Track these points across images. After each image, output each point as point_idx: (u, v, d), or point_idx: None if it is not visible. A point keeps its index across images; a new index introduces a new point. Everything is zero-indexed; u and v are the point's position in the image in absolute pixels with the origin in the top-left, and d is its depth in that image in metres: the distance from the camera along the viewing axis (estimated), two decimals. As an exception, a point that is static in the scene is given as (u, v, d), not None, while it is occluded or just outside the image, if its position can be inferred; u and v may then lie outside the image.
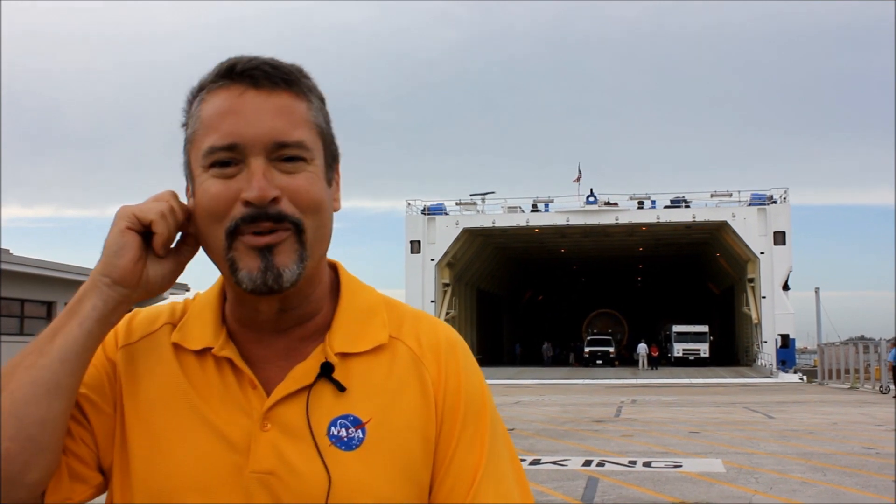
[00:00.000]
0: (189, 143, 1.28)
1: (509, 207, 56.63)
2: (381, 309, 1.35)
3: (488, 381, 1.38)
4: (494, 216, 56.03)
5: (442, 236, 54.51)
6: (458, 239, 54.74)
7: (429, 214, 55.38)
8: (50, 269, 31.12)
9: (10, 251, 29.51)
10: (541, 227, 56.65)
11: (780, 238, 51.18)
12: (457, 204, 56.78)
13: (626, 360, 66.05)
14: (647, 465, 12.75)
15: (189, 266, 1.33)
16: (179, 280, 1.38)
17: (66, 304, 1.25)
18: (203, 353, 1.30)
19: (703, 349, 61.92)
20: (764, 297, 50.95)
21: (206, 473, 1.22)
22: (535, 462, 12.88)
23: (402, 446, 1.25)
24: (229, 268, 1.23)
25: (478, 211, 56.49)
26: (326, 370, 1.26)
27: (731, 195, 54.29)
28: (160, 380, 1.29)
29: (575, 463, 12.90)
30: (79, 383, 1.23)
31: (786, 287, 51.90)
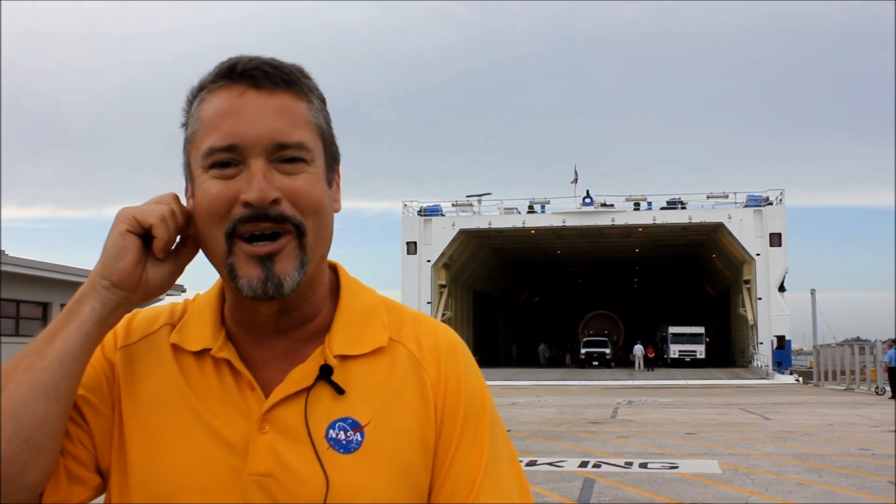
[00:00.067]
0: (189, 144, 1.28)
1: (506, 209, 56.65)
2: (380, 311, 1.35)
3: None
4: (491, 217, 56.05)
5: (438, 237, 54.51)
6: (454, 240, 54.74)
7: (425, 216, 55.38)
8: (46, 270, 31.06)
9: (7, 252, 29.45)
10: (537, 229, 56.68)
11: (775, 239, 51.25)
12: (453, 205, 56.80)
13: (622, 361, 66.03)
14: (643, 466, 12.76)
15: (187, 267, 1.33)
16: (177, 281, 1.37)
17: (62, 305, 1.25)
18: (202, 354, 1.29)
19: (700, 350, 61.94)
20: (760, 299, 51.03)
21: (203, 475, 1.22)
22: (532, 463, 12.88)
23: (401, 449, 1.24)
24: (229, 273, 1.23)
25: (474, 212, 56.50)
26: (325, 372, 1.25)
27: (727, 197, 54.38)
28: (159, 381, 1.29)
29: (571, 464, 12.90)
30: (77, 385, 1.22)
31: (782, 288, 51.97)
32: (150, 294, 1.28)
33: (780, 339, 50.17)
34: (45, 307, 32.36)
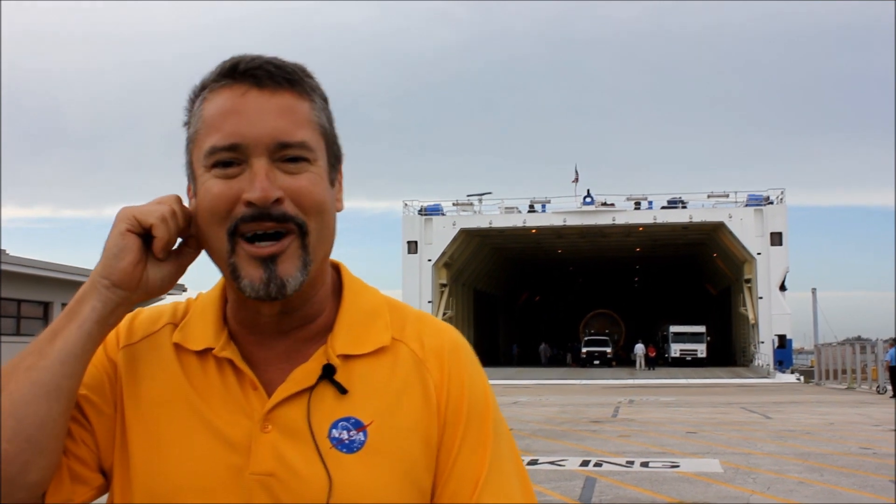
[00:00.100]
0: (191, 143, 1.27)
1: (506, 208, 56.64)
2: (383, 310, 1.34)
3: None
4: (491, 217, 56.05)
5: (439, 237, 54.51)
6: (455, 239, 54.75)
7: (426, 215, 55.38)
8: (47, 270, 31.08)
9: (8, 251, 29.46)
10: (538, 228, 56.67)
11: (776, 239, 51.24)
12: (454, 204, 56.80)
13: (623, 360, 66.05)
14: (644, 465, 12.76)
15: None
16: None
17: (62, 304, 1.25)
18: (204, 353, 1.29)
19: (701, 350, 61.95)
20: (761, 298, 51.01)
21: (206, 475, 1.22)
22: (533, 462, 12.88)
23: (403, 449, 1.24)
24: (231, 273, 1.22)
25: (475, 211, 56.50)
26: (328, 372, 1.25)
27: (727, 196, 54.36)
28: (161, 380, 1.29)
29: (572, 463, 12.90)
30: (78, 385, 1.22)
31: (782, 287, 51.95)
32: (151, 294, 1.27)
33: (781, 338, 50.17)
34: (46, 306, 32.38)
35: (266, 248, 1.20)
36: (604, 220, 54.62)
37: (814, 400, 29.27)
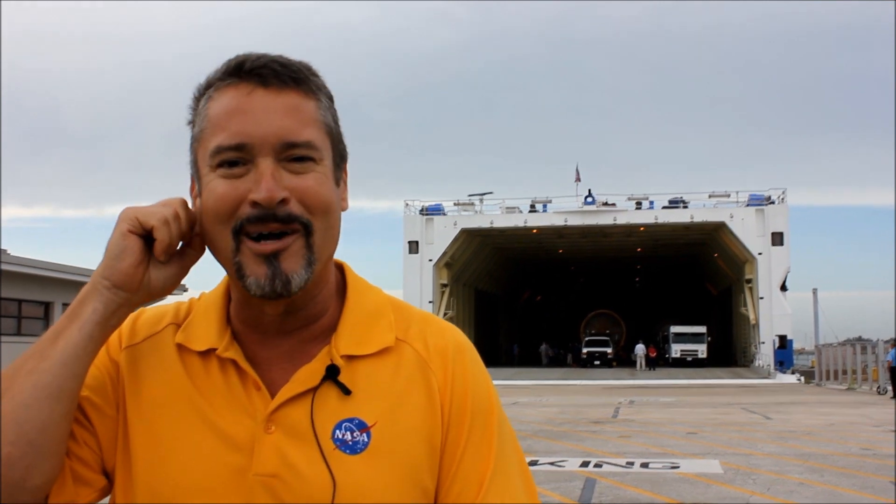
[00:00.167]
0: (196, 142, 1.27)
1: (507, 208, 56.65)
2: (387, 311, 1.34)
3: None
4: (492, 216, 56.06)
5: (440, 237, 54.52)
6: (456, 239, 54.76)
7: (427, 215, 55.39)
8: (47, 270, 31.10)
9: (8, 251, 29.48)
10: (539, 228, 56.69)
11: (777, 239, 51.23)
12: (455, 204, 56.81)
13: (623, 360, 66.07)
14: (644, 465, 12.75)
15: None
16: (179, 281, 1.36)
17: (63, 304, 1.25)
18: (207, 353, 1.29)
19: (701, 350, 61.97)
20: (762, 298, 51.01)
21: (208, 475, 1.21)
22: (533, 463, 12.88)
23: (407, 451, 1.23)
24: (236, 272, 1.22)
25: (476, 211, 56.51)
26: (332, 373, 1.25)
27: (728, 196, 54.35)
28: (163, 381, 1.28)
29: (572, 464, 12.90)
30: (80, 386, 1.21)
31: (783, 288, 51.95)
32: (153, 295, 1.27)
33: (782, 338, 50.16)
34: (47, 306, 32.40)
35: (270, 244, 1.20)
36: (605, 219, 54.63)
37: (814, 400, 29.26)
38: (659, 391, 34.51)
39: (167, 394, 1.27)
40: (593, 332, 78.51)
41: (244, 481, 1.20)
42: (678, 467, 12.54)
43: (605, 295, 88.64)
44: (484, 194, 57.29)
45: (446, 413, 1.27)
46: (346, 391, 1.24)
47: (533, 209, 56.50)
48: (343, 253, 1.34)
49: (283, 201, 1.20)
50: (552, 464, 12.90)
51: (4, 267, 28.50)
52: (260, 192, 1.18)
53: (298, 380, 1.25)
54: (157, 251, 1.24)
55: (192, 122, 1.29)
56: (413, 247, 54.61)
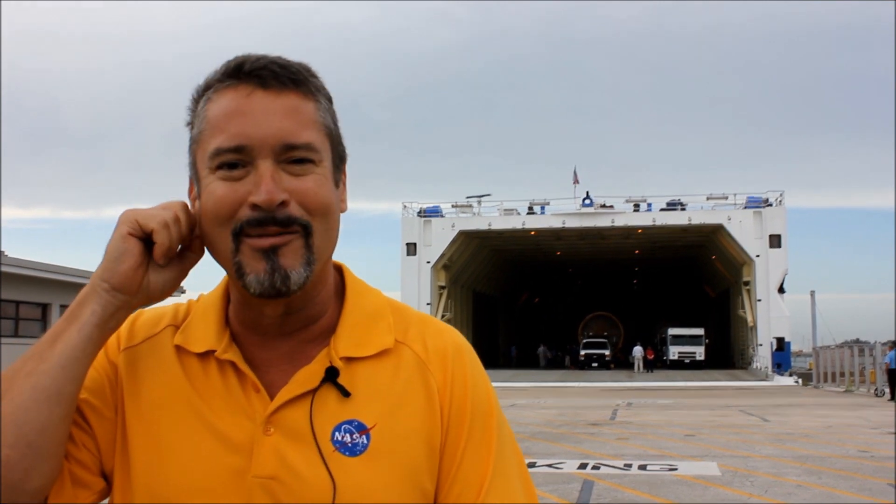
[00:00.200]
0: (195, 143, 1.26)
1: (505, 210, 56.67)
2: (386, 312, 1.34)
3: None
4: (490, 218, 56.07)
5: (438, 238, 54.52)
6: (454, 241, 54.76)
7: (425, 217, 55.39)
8: (45, 271, 31.08)
9: (6, 253, 29.45)
10: (537, 230, 56.70)
11: (775, 241, 51.26)
12: (453, 206, 56.81)
13: (621, 362, 66.10)
14: (642, 468, 12.75)
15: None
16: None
17: (61, 306, 1.25)
18: (206, 355, 1.28)
19: (699, 352, 61.98)
20: (759, 300, 51.03)
21: (207, 477, 1.21)
22: (531, 465, 12.86)
23: (406, 453, 1.23)
24: (236, 272, 1.21)
25: (474, 213, 56.51)
26: (331, 375, 1.24)
27: (726, 198, 54.40)
28: (162, 382, 1.28)
29: (570, 466, 12.89)
30: (79, 389, 1.21)
31: (781, 290, 51.98)
32: (152, 298, 1.27)
33: (780, 340, 50.18)
34: (45, 308, 32.37)
35: (269, 239, 1.20)
36: (603, 221, 54.65)
37: (812, 403, 29.28)
38: (657, 393, 34.52)
39: (166, 395, 1.27)
40: (591, 334, 78.57)
41: (243, 483, 1.20)
42: (676, 469, 12.55)
43: (603, 297, 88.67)
44: (482, 196, 57.33)
45: (446, 415, 1.27)
46: (346, 393, 1.24)
47: (531, 211, 56.51)
48: (340, 254, 1.34)
49: (283, 203, 1.19)
50: (550, 466, 12.89)
51: (3, 268, 28.48)
52: (260, 195, 1.18)
53: (297, 381, 1.24)
54: (156, 255, 1.24)
55: (190, 124, 1.28)
56: (411, 249, 54.61)
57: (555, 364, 69.81)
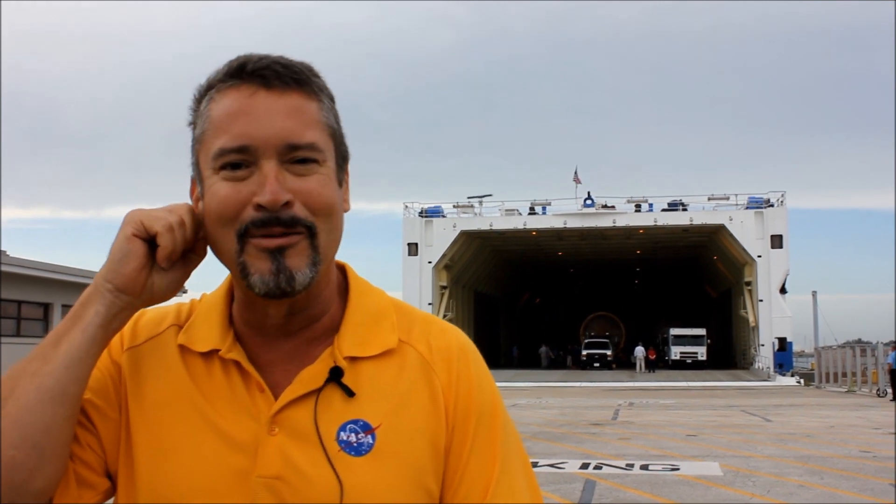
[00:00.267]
0: (198, 144, 1.26)
1: (507, 210, 56.67)
2: (390, 312, 1.34)
3: None
4: (492, 219, 56.06)
5: (439, 239, 54.52)
6: (455, 241, 54.76)
7: (426, 217, 55.39)
8: (47, 271, 31.08)
9: (8, 252, 29.47)
10: (538, 230, 56.70)
11: (777, 241, 51.24)
12: (454, 206, 56.82)
13: (623, 363, 66.05)
14: (644, 468, 12.75)
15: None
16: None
17: (63, 305, 1.24)
18: (210, 355, 1.28)
19: (701, 352, 61.95)
20: (761, 301, 51.01)
21: (211, 477, 1.21)
22: (533, 465, 12.70)
23: (411, 453, 1.23)
24: (240, 272, 1.21)
25: (475, 213, 56.52)
26: (336, 374, 1.24)
27: (728, 199, 54.38)
28: (166, 382, 1.28)
29: (572, 466, 12.89)
30: (83, 389, 1.21)
31: (783, 290, 51.97)
32: (156, 299, 1.27)
33: (782, 340, 50.17)
34: (47, 308, 32.38)
35: (275, 240, 1.19)
36: (604, 222, 54.65)
37: (814, 403, 29.26)
38: (658, 393, 34.51)
39: (169, 395, 1.27)
40: (593, 334, 78.49)
41: (247, 483, 1.20)
42: (678, 469, 12.54)
43: (604, 297, 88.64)
44: (483, 196, 57.32)
45: (451, 415, 1.27)
46: (350, 393, 1.24)
47: (532, 211, 56.51)
48: (342, 254, 1.34)
49: (287, 204, 1.19)
50: (552, 466, 12.89)
51: (4, 268, 28.49)
52: (264, 195, 1.18)
53: (302, 381, 1.24)
54: (159, 258, 1.23)
55: (192, 124, 1.28)
56: (412, 249, 54.61)
57: (556, 364, 69.77)
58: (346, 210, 1.31)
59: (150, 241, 1.23)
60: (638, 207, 55.30)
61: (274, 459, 1.20)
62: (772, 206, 52.51)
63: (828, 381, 42.66)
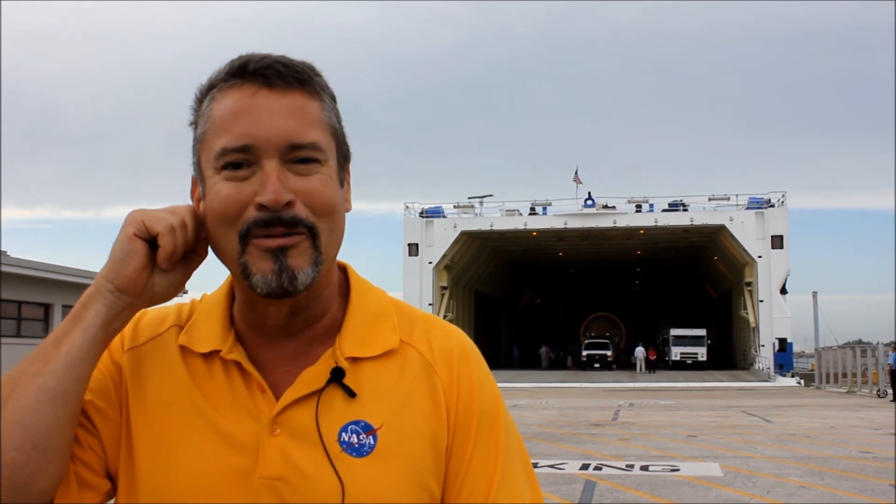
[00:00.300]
0: (199, 143, 1.26)
1: (507, 210, 56.69)
2: (391, 312, 1.33)
3: None
4: (492, 219, 56.09)
5: (440, 239, 54.55)
6: (456, 242, 54.78)
7: (427, 217, 55.41)
8: (47, 271, 31.09)
9: (8, 253, 29.48)
10: (539, 231, 56.71)
11: (777, 242, 51.26)
12: (455, 207, 56.84)
13: (623, 363, 66.08)
14: (644, 468, 12.74)
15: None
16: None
17: (63, 306, 1.24)
18: (211, 355, 1.28)
19: (701, 353, 61.98)
20: (761, 301, 51.02)
21: (213, 478, 1.21)
22: (533, 465, 12.83)
23: (413, 454, 1.23)
24: (242, 272, 1.21)
25: (476, 214, 56.55)
26: (337, 375, 1.24)
27: (728, 199, 54.39)
28: (167, 383, 1.28)
29: (572, 466, 12.89)
30: (84, 389, 1.21)
31: (783, 291, 51.98)
32: (157, 300, 1.26)
33: (782, 341, 50.18)
34: (47, 308, 32.39)
35: (277, 240, 1.19)
36: (605, 222, 54.67)
37: (814, 403, 29.25)
38: (659, 394, 34.50)
39: (170, 396, 1.26)
40: (593, 334, 78.56)
41: (249, 484, 1.20)
42: (678, 470, 12.53)
43: (604, 297, 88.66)
44: (484, 197, 57.34)
45: (452, 417, 1.26)
46: (352, 394, 1.24)
47: (533, 212, 56.53)
48: (342, 255, 1.34)
49: (289, 204, 1.19)
50: (552, 466, 12.89)
51: (4, 268, 28.50)
52: (266, 195, 1.18)
53: (303, 382, 1.24)
54: (159, 259, 1.23)
55: (194, 124, 1.28)
56: (413, 249, 54.63)
57: (557, 365, 69.78)
58: (347, 210, 1.31)
59: (152, 241, 1.23)
60: (638, 208, 55.32)
61: (275, 460, 1.20)
62: (772, 206, 52.53)
63: (828, 381, 42.66)
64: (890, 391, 31.09)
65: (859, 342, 47.07)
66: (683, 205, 55.09)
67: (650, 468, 12.75)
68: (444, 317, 51.12)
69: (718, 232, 54.05)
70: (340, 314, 1.31)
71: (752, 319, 52.49)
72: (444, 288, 55.12)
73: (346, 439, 1.21)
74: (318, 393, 1.23)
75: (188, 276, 1.29)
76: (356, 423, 1.22)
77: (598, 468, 12.73)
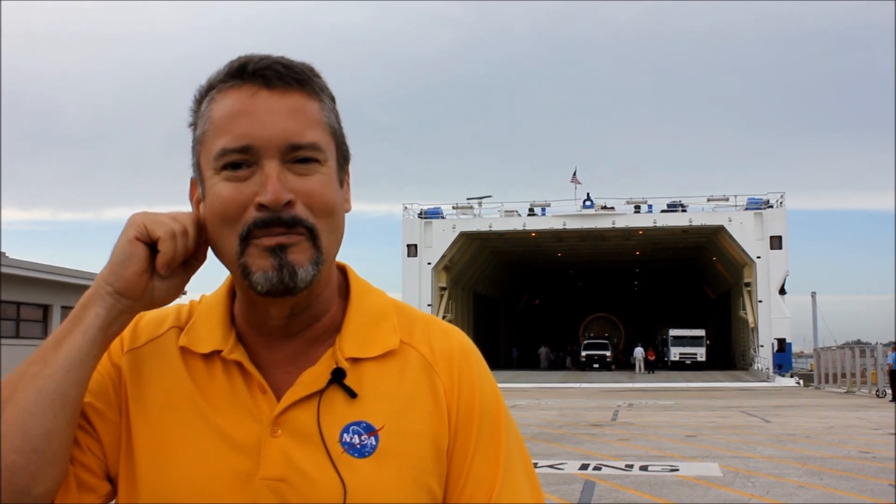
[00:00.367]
0: (199, 144, 1.26)
1: (506, 211, 56.69)
2: (391, 313, 1.34)
3: None
4: (491, 220, 56.09)
5: (439, 240, 54.55)
6: (454, 243, 54.78)
7: (426, 218, 55.41)
8: (46, 273, 31.09)
9: (7, 254, 29.47)
10: (538, 231, 56.71)
11: (776, 242, 51.29)
12: (454, 208, 56.85)
13: (622, 364, 66.09)
14: (643, 468, 12.74)
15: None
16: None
17: (62, 307, 1.24)
18: (211, 356, 1.28)
19: (700, 353, 61.99)
20: (760, 302, 51.04)
21: (214, 480, 1.20)
22: (532, 465, 12.86)
23: (414, 454, 1.23)
24: (242, 272, 1.21)
25: (475, 215, 56.55)
26: (338, 376, 1.24)
27: (727, 199, 54.42)
28: (167, 384, 1.27)
29: (571, 467, 12.89)
30: (84, 392, 1.20)
31: (782, 291, 52.00)
32: (156, 304, 1.26)
33: (781, 341, 50.20)
34: (46, 309, 32.39)
35: (276, 238, 1.19)
36: (603, 223, 54.68)
37: (813, 404, 29.26)
38: (658, 394, 34.51)
39: (171, 397, 1.26)
40: (592, 335, 78.55)
41: (250, 485, 1.19)
42: (677, 470, 12.54)
43: (603, 298, 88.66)
44: (483, 198, 57.34)
45: (453, 417, 1.26)
46: (353, 394, 1.24)
47: (532, 213, 56.53)
48: (341, 255, 1.34)
49: (289, 204, 1.19)
50: (551, 466, 12.89)
51: (3, 270, 28.50)
52: (266, 195, 1.18)
53: (304, 383, 1.24)
54: (158, 265, 1.23)
55: (193, 125, 1.28)
56: (412, 250, 54.63)
57: (556, 365, 69.81)
58: (347, 210, 1.31)
59: (153, 245, 1.23)
60: (637, 208, 55.33)
61: (277, 461, 1.20)
62: (771, 206, 52.56)
63: (827, 381, 42.67)
64: (889, 391, 31.10)
65: (858, 342, 47.08)
66: (682, 205, 55.11)
67: (649, 468, 12.75)
68: (444, 318, 50.94)
69: (717, 232, 54.07)
70: (340, 315, 1.31)
71: (750, 320, 52.51)
72: (443, 289, 55.13)
73: (348, 440, 1.21)
74: (320, 394, 1.23)
75: (187, 279, 1.29)
76: (358, 423, 1.22)
77: (597, 468, 12.73)
